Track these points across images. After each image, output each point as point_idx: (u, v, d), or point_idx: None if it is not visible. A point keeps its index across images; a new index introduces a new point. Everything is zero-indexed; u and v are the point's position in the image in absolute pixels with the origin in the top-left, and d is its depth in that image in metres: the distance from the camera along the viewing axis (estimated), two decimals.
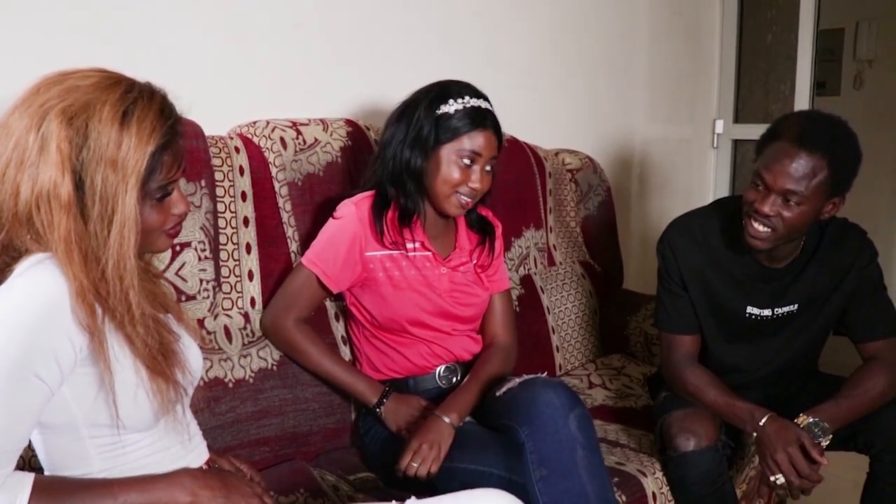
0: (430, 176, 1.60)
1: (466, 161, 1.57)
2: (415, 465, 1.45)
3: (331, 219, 1.64)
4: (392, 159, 1.61)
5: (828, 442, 1.58)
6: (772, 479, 1.57)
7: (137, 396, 1.01)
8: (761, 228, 1.58)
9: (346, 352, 1.79)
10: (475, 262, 1.74)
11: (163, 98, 1.02)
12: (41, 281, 0.94)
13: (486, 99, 1.62)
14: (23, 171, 0.94)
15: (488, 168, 1.61)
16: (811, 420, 1.58)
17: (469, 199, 1.62)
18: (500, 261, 1.82)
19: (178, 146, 1.03)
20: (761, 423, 1.59)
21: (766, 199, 1.55)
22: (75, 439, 1.02)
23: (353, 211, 1.62)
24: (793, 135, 1.53)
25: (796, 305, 1.74)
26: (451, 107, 1.57)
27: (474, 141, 1.57)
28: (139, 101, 0.98)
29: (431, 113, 1.57)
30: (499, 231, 1.82)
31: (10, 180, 0.94)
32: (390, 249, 1.63)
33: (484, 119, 1.58)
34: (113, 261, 0.96)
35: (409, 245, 1.64)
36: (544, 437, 1.40)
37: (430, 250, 1.67)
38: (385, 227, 1.61)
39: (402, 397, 1.64)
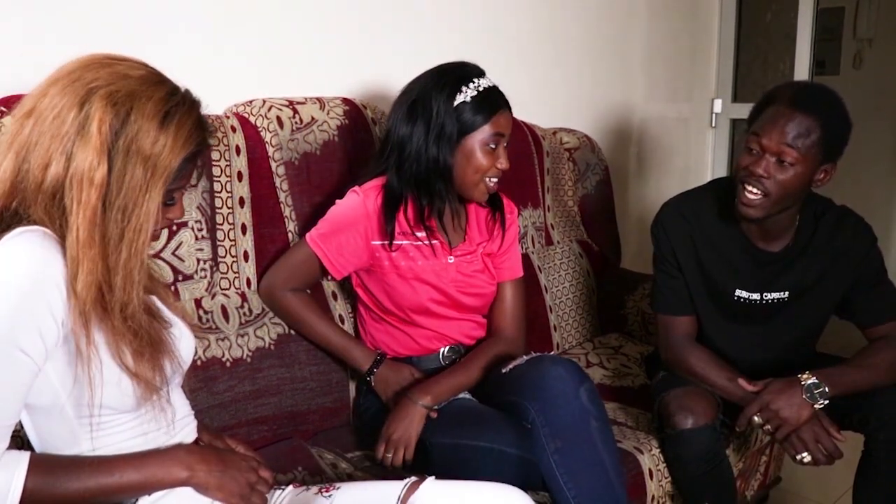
0: (459, 168, 1.58)
1: (493, 145, 1.58)
2: (389, 455, 1.49)
3: (338, 203, 1.62)
4: (416, 161, 1.57)
5: (823, 405, 1.59)
6: (798, 457, 1.60)
7: (122, 382, 1.01)
8: (754, 195, 1.58)
9: (345, 329, 1.78)
10: (482, 248, 1.72)
11: (200, 108, 1.05)
12: (26, 254, 0.93)
13: (485, 74, 1.60)
14: (57, 143, 0.94)
15: (505, 144, 1.62)
16: (813, 380, 1.59)
17: (496, 181, 1.62)
18: (514, 248, 1.78)
19: (202, 158, 1.07)
20: None
21: (761, 161, 1.56)
22: (63, 420, 1.02)
23: (360, 201, 1.60)
24: (786, 98, 1.56)
25: (786, 293, 1.73)
26: (466, 94, 1.55)
27: (497, 124, 1.57)
28: (181, 105, 1.00)
29: (450, 106, 1.54)
30: (514, 216, 1.80)
31: (42, 150, 0.95)
32: (398, 240, 1.61)
33: (498, 98, 1.58)
34: (127, 254, 0.97)
35: (418, 234, 1.63)
36: (556, 410, 1.40)
37: (437, 239, 1.65)
38: (396, 225, 1.59)
39: (394, 365, 1.65)
